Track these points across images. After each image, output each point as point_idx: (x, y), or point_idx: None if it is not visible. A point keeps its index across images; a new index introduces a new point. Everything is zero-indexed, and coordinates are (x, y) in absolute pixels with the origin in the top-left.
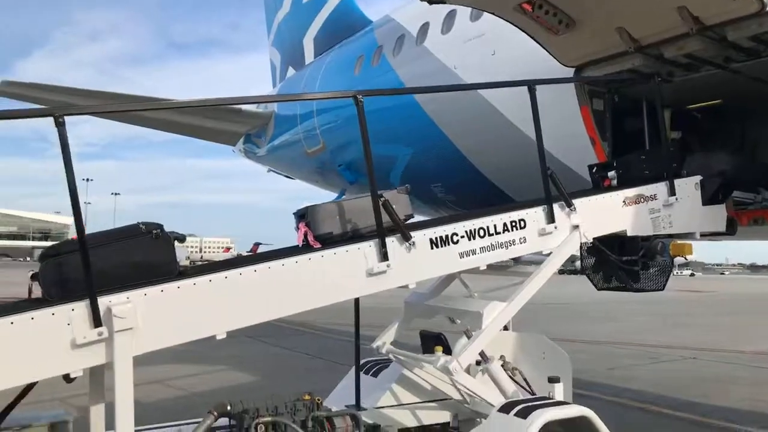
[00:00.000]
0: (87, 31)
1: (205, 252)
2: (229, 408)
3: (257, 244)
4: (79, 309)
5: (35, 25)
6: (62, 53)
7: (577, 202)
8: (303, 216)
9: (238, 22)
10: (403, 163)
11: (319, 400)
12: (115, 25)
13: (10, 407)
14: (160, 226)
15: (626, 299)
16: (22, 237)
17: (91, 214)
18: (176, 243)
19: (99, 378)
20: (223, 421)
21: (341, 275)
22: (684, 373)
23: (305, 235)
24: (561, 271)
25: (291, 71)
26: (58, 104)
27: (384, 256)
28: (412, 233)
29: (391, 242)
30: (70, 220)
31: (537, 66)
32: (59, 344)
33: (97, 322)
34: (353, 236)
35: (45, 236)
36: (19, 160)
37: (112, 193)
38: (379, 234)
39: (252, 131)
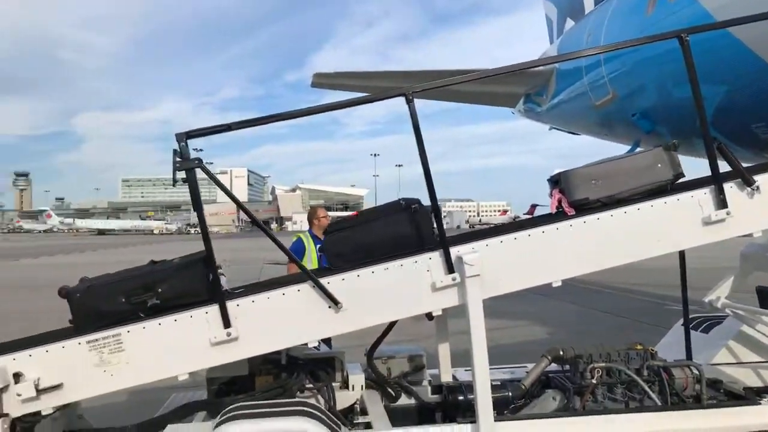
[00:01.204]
0: (363, 19)
1: (482, 216)
2: (561, 353)
3: (534, 206)
4: (435, 258)
5: (322, 22)
6: (344, 43)
7: None
8: (557, 182)
9: None
10: (713, 105)
11: (652, 350)
12: (385, 8)
13: (379, 341)
14: (418, 201)
15: None
16: (328, 208)
17: (380, 186)
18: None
19: (443, 322)
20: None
21: (675, 225)
22: None
23: (559, 202)
24: None
25: (569, 23)
26: (353, 89)
27: (722, 203)
28: (756, 177)
29: (730, 188)
30: (364, 191)
31: None
32: (423, 287)
33: (450, 269)
34: (614, 201)
35: (345, 207)
36: (320, 143)
37: (396, 165)
38: (716, 180)
39: (531, 91)
